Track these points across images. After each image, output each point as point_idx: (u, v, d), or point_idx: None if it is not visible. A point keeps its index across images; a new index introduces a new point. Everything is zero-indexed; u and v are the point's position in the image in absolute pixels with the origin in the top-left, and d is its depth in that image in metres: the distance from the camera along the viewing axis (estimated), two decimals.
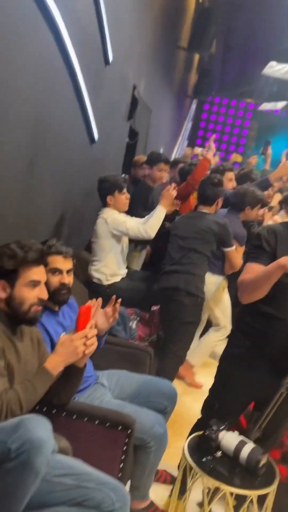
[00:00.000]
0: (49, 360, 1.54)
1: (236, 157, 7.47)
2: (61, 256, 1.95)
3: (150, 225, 3.00)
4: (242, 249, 3.32)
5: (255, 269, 1.85)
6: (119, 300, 2.05)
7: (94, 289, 3.05)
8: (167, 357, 2.92)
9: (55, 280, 1.94)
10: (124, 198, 3.13)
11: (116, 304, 2.05)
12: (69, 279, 1.98)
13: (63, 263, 1.96)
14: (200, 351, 3.49)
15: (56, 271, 1.94)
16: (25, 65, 2.12)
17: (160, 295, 3.03)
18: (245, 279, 1.86)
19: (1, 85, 1.92)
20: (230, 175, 4.02)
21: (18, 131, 2.19)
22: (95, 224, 3.12)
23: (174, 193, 3.10)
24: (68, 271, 1.98)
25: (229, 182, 3.95)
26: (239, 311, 2.09)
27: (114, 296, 2.06)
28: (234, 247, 3.11)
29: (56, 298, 1.95)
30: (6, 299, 1.51)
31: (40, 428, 1.20)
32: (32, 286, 1.52)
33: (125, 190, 3.14)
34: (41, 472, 1.18)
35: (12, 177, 2.22)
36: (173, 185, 3.18)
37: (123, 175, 3.19)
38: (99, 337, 2.04)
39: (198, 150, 6.12)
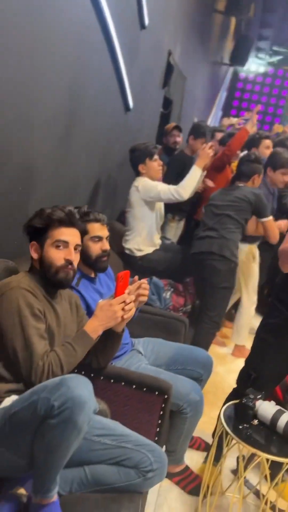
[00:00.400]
0: (88, 323, 1.55)
1: (278, 128, 7.19)
2: (99, 224, 1.96)
3: (183, 185, 2.95)
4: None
5: None
6: (146, 285, 1.84)
7: (127, 260, 3.05)
8: (203, 322, 2.93)
9: (97, 247, 1.95)
10: (156, 165, 3.07)
11: (143, 286, 1.83)
12: (108, 246, 1.99)
13: (102, 230, 1.97)
14: (242, 332, 3.51)
15: (96, 238, 1.96)
16: (61, 29, 2.07)
17: (194, 260, 3.01)
18: (286, 248, 1.81)
19: (38, 50, 1.89)
20: (267, 142, 3.89)
21: (55, 97, 2.16)
22: (129, 193, 3.10)
23: (210, 152, 3.03)
24: (106, 238, 1.99)
25: (267, 150, 3.83)
26: (278, 281, 2.05)
27: (139, 279, 2.01)
28: (271, 217, 3.03)
29: (98, 265, 1.97)
30: (38, 261, 1.54)
31: (82, 386, 1.21)
32: (59, 247, 1.52)
33: (156, 156, 3.08)
34: (83, 430, 1.21)
35: (48, 144, 2.21)
36: (210, 144, 3.11)
37: (156, 145, 3.14)
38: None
39: (233, 120, 5.93)
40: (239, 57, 9.41)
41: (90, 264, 1.96)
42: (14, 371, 1.40)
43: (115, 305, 1.53)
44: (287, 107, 11.65)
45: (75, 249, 1.56)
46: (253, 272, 3.47)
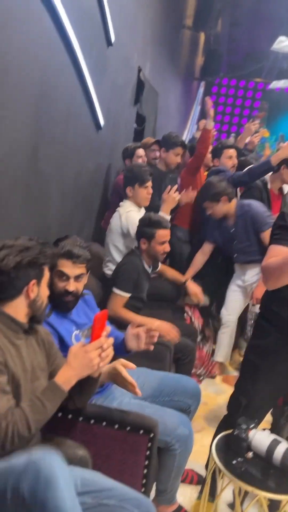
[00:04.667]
0: (60, 373, 1.38)
1: (264, 133, 7.17)
2: (70, 261, 1.80)
3: None
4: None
5: (280, 252, 1.69)
6: (157, 333, 1.86)
7: (108, 285, 2.91)
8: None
9: (61, 285, 1.80)
10: (145, 192, 2.96)
11: (153, 335, 1.85)
12: (77, 286, 1.82)
13: (71, 269, 1.80)
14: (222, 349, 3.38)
15: (63, 275, 1.80)
16: (24, 48, 1.97)
17: None
18: (270, 264, 1.70)
19: (1, 71, 1.78)
20: (230, 152, 3.76)
21: (20, 118, 2.05)
22: (112, 216, 2.99)
23: (176, 195, 2.93)
24: (76, 277, 1.82)
25: (229, 160, 3.72)
26: (264, 299, 1.94)
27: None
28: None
29: (59, 304, 1.81)
30: None
31: (52, 465, 1.06)
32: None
33: (148, 184, 2.96)
34: (66, 500, 1.06)
35: (15, 167, 2.09)
36: (174, 187, 3.00)
37: (151, 172, 3.06)
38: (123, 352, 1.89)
39: (201, 123, 5.86)
40: (210, 71, 9.48)
41: (52, 301, 1.79)
42: None
43: (90, 351, 1.37)
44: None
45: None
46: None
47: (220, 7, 6.94)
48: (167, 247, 2.57)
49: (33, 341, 1.48)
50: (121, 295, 2.47)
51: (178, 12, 6.54)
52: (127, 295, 2.48)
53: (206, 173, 3.99)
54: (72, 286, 1.80)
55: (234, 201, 3.19)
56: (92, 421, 1.61)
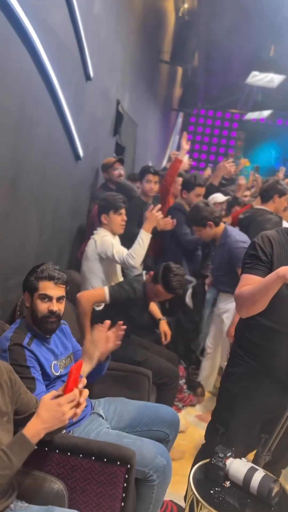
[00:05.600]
0: (29, 425, 1.31)
1: (245, 162, 7.36)
2: (52, 282, 1.83)
3: (133, 255, 2.80)
4: None
5: (252, 281, 1.74)
6: (123, 325, 1.94)
7: None
8: None
9: (44, 306, 1.82)
10: (119, 219, 3.00)
11: (119, 329, 1.95)
12: (59, 307, 1.84)
13: (54, 290, 1.83)
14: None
15: (45, 297, 1.82)
16: (1, 83, 2.03)
17: None
18: (243, 292, 1.75)
19: None
20: (199, 190, 3.73)
21: None
22: (87, 244, 3.01)
23: (158, 214, 2.95)
24: (58, 298, 1.85)
25: (197, 198, 3.70)
26: (238, 327, 1.98)
27: (108, 321, 1.94)
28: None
29: (43, 326, 1.82)
30: None
31: None
32: None
33: (122, 211, 3.01)
34: None
35: None
36: (158, 206, 3.02)
37: (125, 200, 3.10)
38: (100, 362, 1.92)
39: (173, 154, 5.92)
40: (187, 103, 9.77)
41: (36, 324, 1.83)
42: None
43: (64, 404, 1.31)
44: (237, 148, 12.11)
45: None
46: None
47: (196, 43, 7.22)
48: (53, 306, 1.91)
49: None
50: (102, 293, 2.56)
51: (155, 47, 6.79)
52: (107, 297, 2.56)
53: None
54: (55, 306, 1.82)
55: (222, 226, 3.20)
56: (68, 453, 1.60)
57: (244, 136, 12.17)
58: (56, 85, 2.67)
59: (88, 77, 3.38)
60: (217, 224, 3.16)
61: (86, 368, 1.85)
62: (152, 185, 3.67)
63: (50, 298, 1.82)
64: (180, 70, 9.46)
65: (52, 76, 2.59)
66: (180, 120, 11.63)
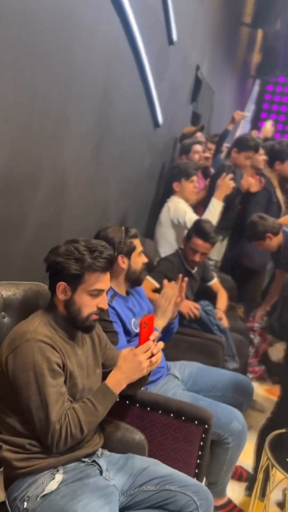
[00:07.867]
0: (111, 376, 1.40)
1: None
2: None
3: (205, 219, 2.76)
4: None
5: None
6: (186, 278, 1.95)
7: None
8: None
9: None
10: (191, 186, 2.99)
11: (183, 282, 1.94)
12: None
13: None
14: None
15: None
16: (91, 47, 2.05)
17: None
18: None
19: (69, 67, 1.87)
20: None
21: (85, 115, 2.14)
22: (161, 211, 3.03)
23: (231, 183, 2.89)
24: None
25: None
26: None
27: (180, 275, 1.96)
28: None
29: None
30: (65, 302, 1.38)
31: None
32: (94, 295, 1.38)
33: (193, 178, 2.99)
34: None
35: (79, 163, 2.18)
36: (230, 175, 2.92)
37: (197, 167, 3.05)
38: (171, 319, 1.96)
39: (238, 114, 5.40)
40: (266, 69, 9.31)
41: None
42: (31, 428, 1.29)
43: (139, 354, 1.37)
44: None
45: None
46: None
47: (280, 5, 6.79)
48: (197, 258, 2.48)
49: (87, 337, 1.49)
50: (151, 282, 2.52)
51: (237, 9, 6.47)
52: (156, 284, 2.52)
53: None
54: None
55: (281, 233, 3.01)
56: (148, 408, 1.67)
57: None
58: (141, 49, 2.65)
59: (171, 41, 3.31)
60: (275, 234, 3.02)
61: (161, 322, 1.87)
62: (248, 162, 3.50)
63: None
64: (260, 35, 8.98)
65: (138, 40, 2.57)
66: (256, 88, 11.13)
